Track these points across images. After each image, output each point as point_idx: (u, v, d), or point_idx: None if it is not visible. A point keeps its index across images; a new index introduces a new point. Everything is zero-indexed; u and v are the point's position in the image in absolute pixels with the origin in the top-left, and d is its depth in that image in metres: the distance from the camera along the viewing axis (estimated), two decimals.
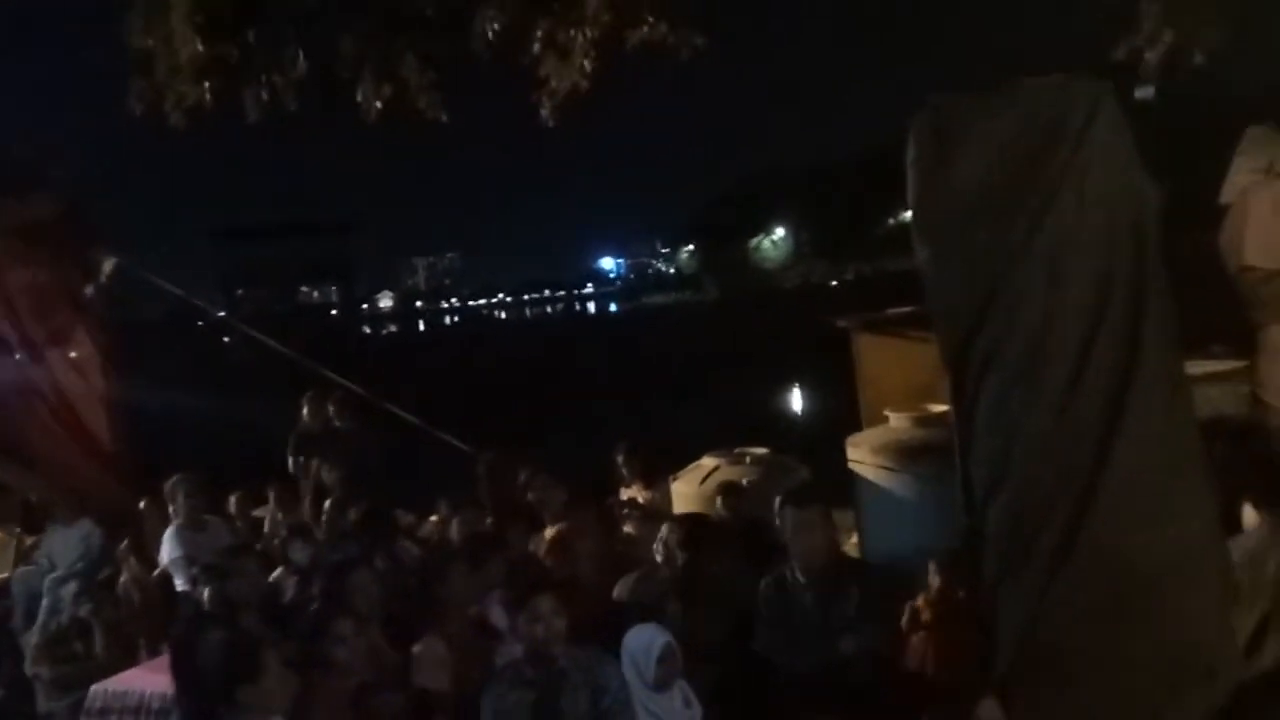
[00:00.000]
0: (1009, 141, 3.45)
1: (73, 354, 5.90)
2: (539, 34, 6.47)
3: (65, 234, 5.97)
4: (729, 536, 6.04)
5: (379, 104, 6.57)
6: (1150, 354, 3.29)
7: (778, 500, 4.80)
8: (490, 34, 6.34)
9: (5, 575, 7.56)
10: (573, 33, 6.41)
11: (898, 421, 8.29)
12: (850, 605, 4.04)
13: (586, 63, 6.42)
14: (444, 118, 6.68)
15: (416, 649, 4.13)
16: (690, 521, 5.55)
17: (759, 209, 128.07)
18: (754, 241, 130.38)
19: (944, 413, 8.19)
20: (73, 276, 6.02)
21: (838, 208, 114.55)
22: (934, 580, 4.84)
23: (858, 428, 8.88)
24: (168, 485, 7.06)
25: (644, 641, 4.06)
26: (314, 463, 8.36)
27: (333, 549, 5.69)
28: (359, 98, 6.60)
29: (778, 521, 4.95)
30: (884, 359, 9.35)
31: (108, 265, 6.42)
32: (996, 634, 3.36)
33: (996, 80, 3.68)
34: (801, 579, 4.11)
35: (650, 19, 6.24)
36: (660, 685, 4.00)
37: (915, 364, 9.02)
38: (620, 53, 6.44)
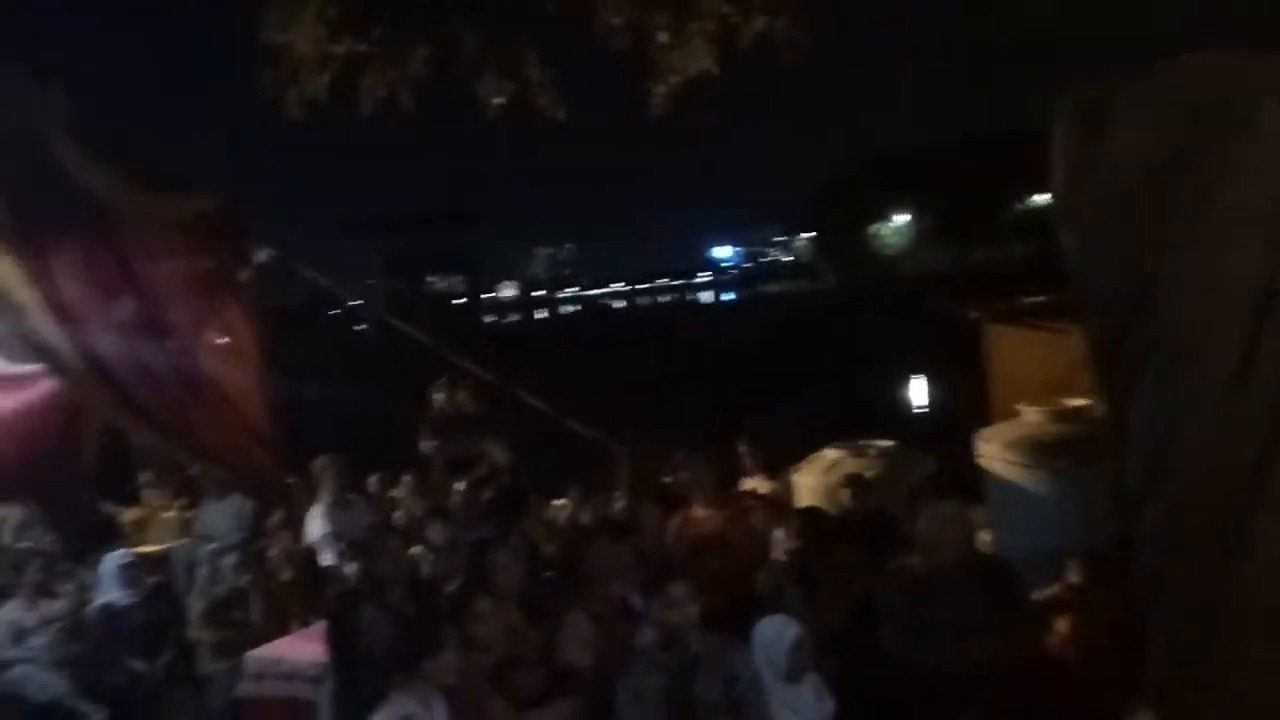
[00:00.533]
0: (1167, 124, 3.29)
1: (228, 339, 6.23)
2: (657, 26, 6.48)
3: (221, 226, 6.29)
4: (852, 529, 5.98)
5: (500, 100, 6.68)
6: None
7: (909, 492, 4.74)
8: (611, 28, 6.37)
9: (168, 545, 8.07)
10: (690, 26, 6.41)
11: (1032, 416, 8.04)
12: (987, 604, 3.94)
13: (703, 54, 6.42)
14: (563, 115, 6.77)
15: (563, 625, 4.22)
16: (809, 513, 5.53)
17: (879, 195, 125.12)
18: (873, 228, 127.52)
19: (1081, 407, 7.98)
20: (228, 266, 6.34)
21: (962, 192, 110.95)
22: (1073, 579, 4.69)
23: (986, 421, 8.65)
24: (315, 465, 7.39)
25: (775, 632, 4.06)
26: (446, 446, 8.62)
27: (469, 529, 5.87)
28: (480, 93, 6.71)
29: (908, 514, 4.87)
30: (1016, 350, 9.09)
31: (260, 255, 6.74)
32: (1151, 640, 3.23)
33: (1147, 57, 3.52)
34: (934, 575, 4.03)
35: (766, 13, 6.21)
36: (791, 676, 3.99)
37: (1050, 356, 8.72)
38: (735, 46, 6.43)
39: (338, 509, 7.23)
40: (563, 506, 7.52)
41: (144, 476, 9.16)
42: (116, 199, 5.68)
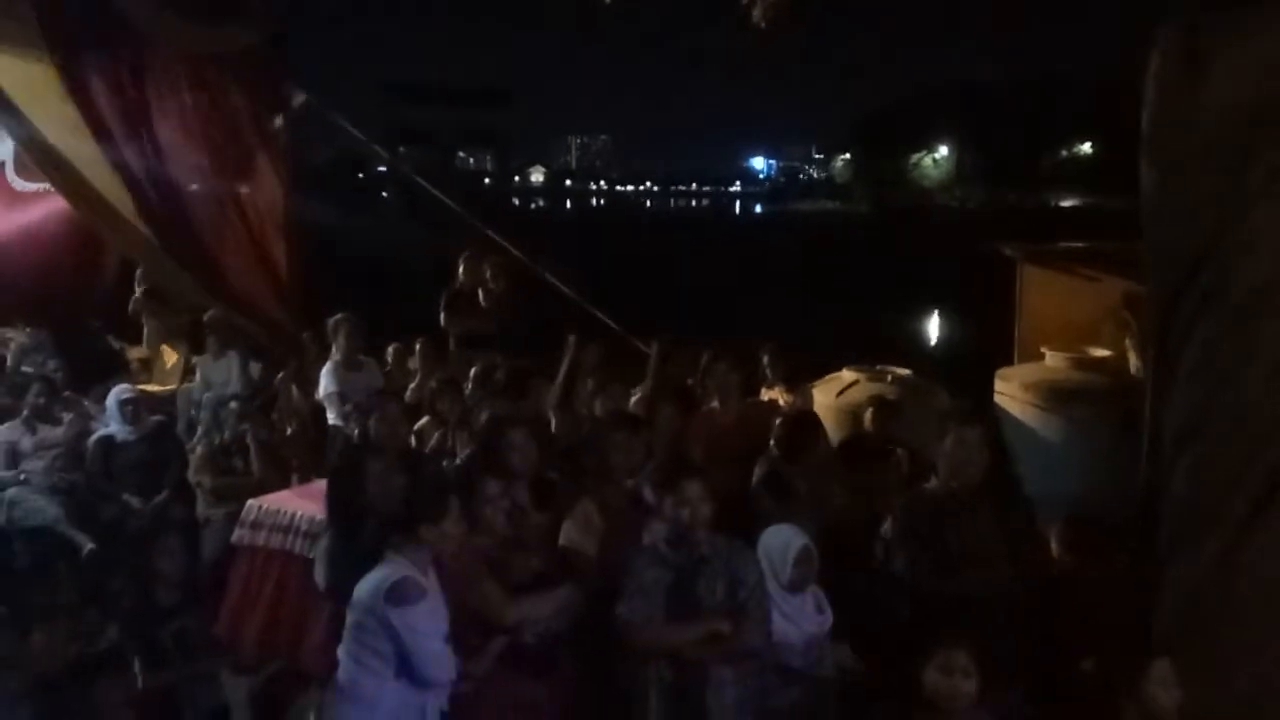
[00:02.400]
0: (1268, 71, 3.10)
1: (257, 181, 6.09)
2: None
3: (260, 65, 6.10)
4: (868, 451, 5.91)
5: None
6: None
7: (936, 418, 4.65)
8: None
9: (173, 386, 8.08)
10: None
11: (1055, 360, 7.93)
12: (1003, 532, 3.90)
13: None
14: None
15: (571, 512, 4.17)
16: (795, 419, 5.48)
17: (924, 124, 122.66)
18: (914, 157, 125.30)
19: (1105, 358, 7.86)
20: (266, 106, 6.17)
21: (1007, 133, 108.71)
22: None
23: (1008, 361, 8.56)
24: (331, 323, 7.35)
25: (781, 541, 4.01)
26: (465, 321, 8.54)
27: (482, 405, 5.80)
28: None
29: (931, 438, 4.81)
30: (1048, 294, 8.93)
31: (297, 99, 6.55)
32: (1168, 591, 3.18)
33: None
34: (953, 500, 3.98)
35: None
36: (794, 587, 3.96)
37: (1081, 303, 8.59)
38: None
39: (347, 369, 7.23)
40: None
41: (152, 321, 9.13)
42: (158, 24, 5.49)
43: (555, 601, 3.84)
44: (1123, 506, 4.44)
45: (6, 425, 6.65)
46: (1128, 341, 8.00)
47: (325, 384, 7.20)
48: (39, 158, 5.73)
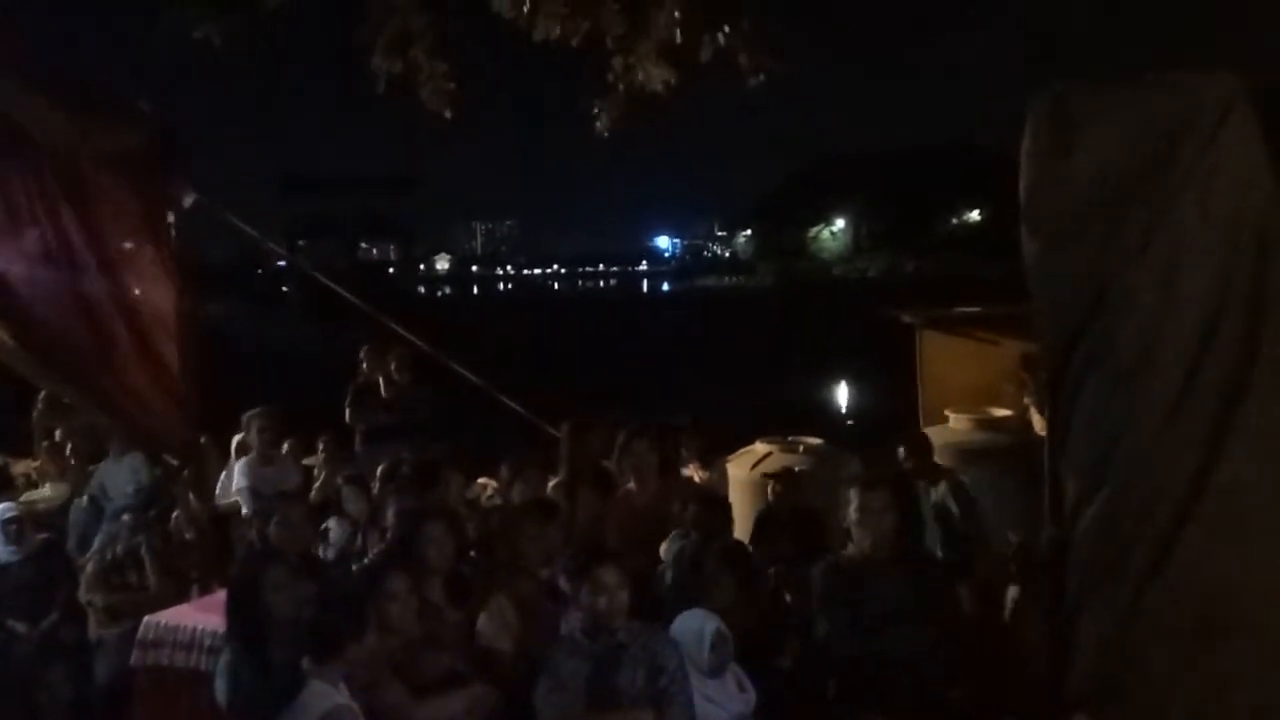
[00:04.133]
0: (1132, 136, 3.28)
1: (147, 284, 5.91)
2: (609, 39, 6.28)
3: (153, 163, 5.97)
4: (780, 523, 5.96)
5: (385, 80, 6.46)
6: (1267, 368, 3.12)
7: (841, 485, 4.72)
8: (550, 34, 6.18)
9: (62, 500, 7.69)
10: (644, 44, 6.22)
11: (958, 423, 8.17)
12: (918, 593, 3.94)
13: (656, 71, 6.25)
14: (448, 114, 6.56)
15: (486, 607, 4.06)
16: (708, 500, 5.49)
17: (820, 197, 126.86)
18: (813, 230, 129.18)
19: (1006, 417, 8.12)
20: (155, 206, 6.02)
21: (901, 201, 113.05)
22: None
23: (914, 425, 8.75)
24: (245, 418, 7.24)
25: (694, 626, 3.95)
26: (370, 415, 8.39)
27: (390, 500, 5.66)
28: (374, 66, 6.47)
29: (837, 508, 4.87)
30: (948, 358, 9.24)
31: (188, 199, 6.42)
32: (1078, 648, 3.22)
33: (1105, 74, 3.49)
34: (866, 564, 4.02)
35: (725, 30, 6.07)
36: (713, 671, 3.90)
37: (980, 365, 8.90)
38: (693, 65, 6.26)
39: (263, 463, 7.09)
40: (485, 485, 7.34)
41: (41, 426, 8.74)
42: (44, 123, 5.34)
43: (466, 701, 3.72)
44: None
45: None
46: (1027, 400, 8.29)
47: (238, 479, 7.00)
48: None
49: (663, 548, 5.11)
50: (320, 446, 7.86)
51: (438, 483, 5.65)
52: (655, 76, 6.24)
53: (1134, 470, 3.19)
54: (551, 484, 6.08)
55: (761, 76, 6.13)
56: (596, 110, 6.56)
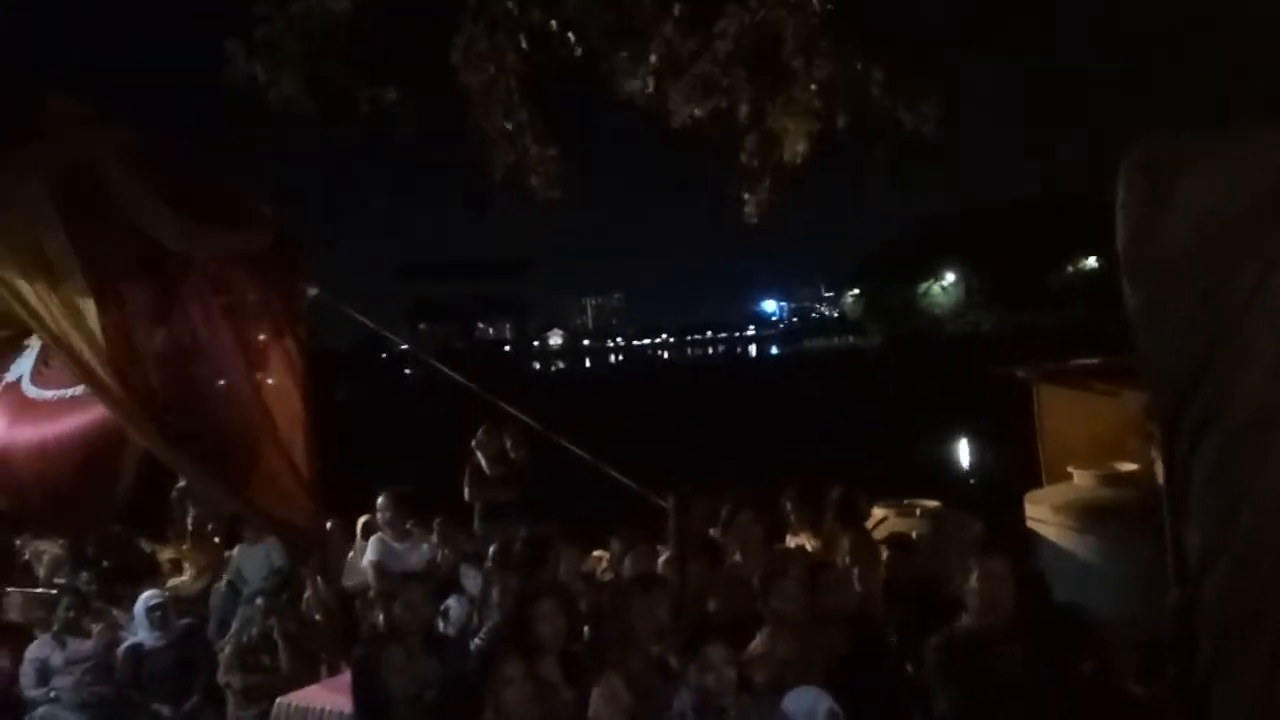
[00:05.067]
0: (1233, 184, 3.19)
1: (274, 377, 6.23)
2: (743, 115, 6.18)
3: (279, 261, 6.32)
4: (898, 591, 5.82)
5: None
6: None
7: (958, 552, 4.61)
8: (688, 115, 6.17)
9: (203, 587, 8.05)
10: (779, 115, 6.08)
11: (1083, 479, 7.88)
12: (1040, 663, 3.79)
13: (796, 144, 6.08)
14: (556, 196, 6.65)
15: (599, 685, 4.08)
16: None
17: (928, 253, 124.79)
18: (922, 287, 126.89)
19: (1133, 472, 7.79)
20: (279, 304, 6.36)
21: (1011, 254, 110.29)
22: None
23: (1035, 484, 8.50)
24: (380, 498, 7.48)
25: (806, 705, 3.90)
26: (486, 493, 8.57)
27: (498, 578, 5.76)
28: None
29: (957, 575, 4.74)
30: (1067, 412, 8.95)
31: (310, 294, 6.77)
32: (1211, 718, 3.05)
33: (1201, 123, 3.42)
34: (985, 636, 3.89)
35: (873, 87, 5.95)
36: None
37: (1101, 418, 8.59)
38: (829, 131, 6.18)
39: (393, 541, 7.33)
40: (600, 559, 7.40)
41: (184, 515, 9.21)
42: (175, 231, 5.74)
43: None
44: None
45: (37, 642, 6.63)
46: (1154, 454, 7.93)
47: (368, 555, 7.26)
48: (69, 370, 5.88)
49: None
50: (435, 526, 8.07)
51: (548, 560, 5.73)
52: (795, 151, 6.10)
53: (1262, 529, 3.04)
54: (662, 558, 6.10)
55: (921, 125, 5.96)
56: (744, 196, 6.51)
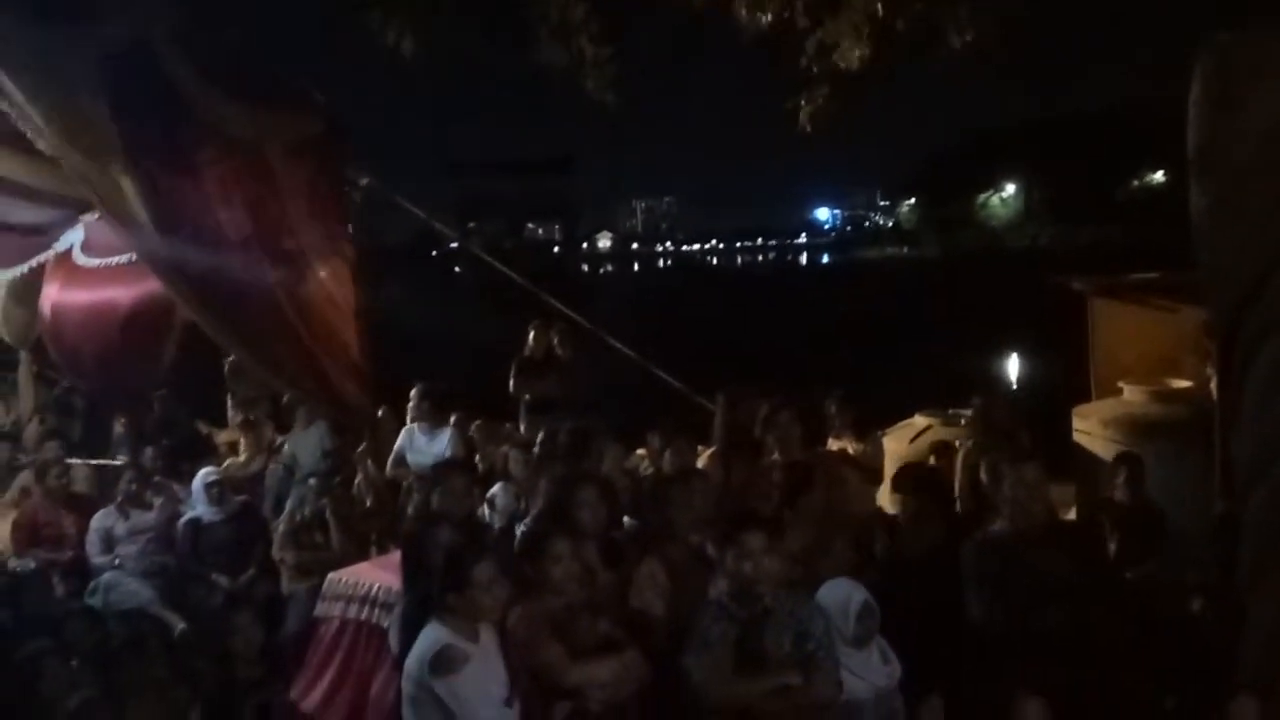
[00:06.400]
0: None
1: (327, 266, 6.28)
2: (802, 21, 6.05)
3: (329, 151, 6.32)
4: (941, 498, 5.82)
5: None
6: None
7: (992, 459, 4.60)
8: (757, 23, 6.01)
9: (258, 467, 8.34)
10: (840, 22, 5.95)
11: (1133, 395, 7.77)
12: (1071, 568, 3.80)
13: (854, 51, 5.94)
14: (610, 98, 6.56)
15: (638, 571, 4.17)
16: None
17: (989, 164, 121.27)
18: (981, 198, 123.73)
19: (1186, 389, 7.66)
20: (332, 192, 6.38)
21: (1075, 166, 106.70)
22: None
23: (1085, 399, 8.40)
24: (414, 390, 7.66)
25: (841, 596, 3.95)
26: (533, 387, 8.70)
27: (544, 467, 5.87)
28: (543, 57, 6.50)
29: (988, 479, 4.76)
30: (1122, 327, 8.80)
31: (361, 182, 6.79)
32: (1251, 627, 3.07)
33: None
34: (1020, 541, 3.91)
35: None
36: (857, 641, 3.89)
37: (1156, 335, 8.44)
38: (890, 40, 5.98)
39: (425, 434, 7.49)
40: (643, 456, 7.51)
41: (239, 398, 9.49)
42: (223, 115, 5.75)
43: (618, 666, 3.82)
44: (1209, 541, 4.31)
45: (102, 512, 6.93)
46: (1208, 370, 7.78)
47: (399, 444, 7.48)
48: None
49: None
50: (453, 421, 8.24)
51: (591, 451, 5.81)
52: (853, 56, 5.98)
53: None
54: (706, 454, 6.17)
55: (968, 38, 5.80)
56: (801, 103, 6.40)
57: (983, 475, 5.01)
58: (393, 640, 4.22)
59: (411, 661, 3.52)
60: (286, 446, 8.16)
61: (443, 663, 3.44)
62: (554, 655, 3.76)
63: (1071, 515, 7.51)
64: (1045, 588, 3.70)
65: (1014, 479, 3.91)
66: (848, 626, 3.86)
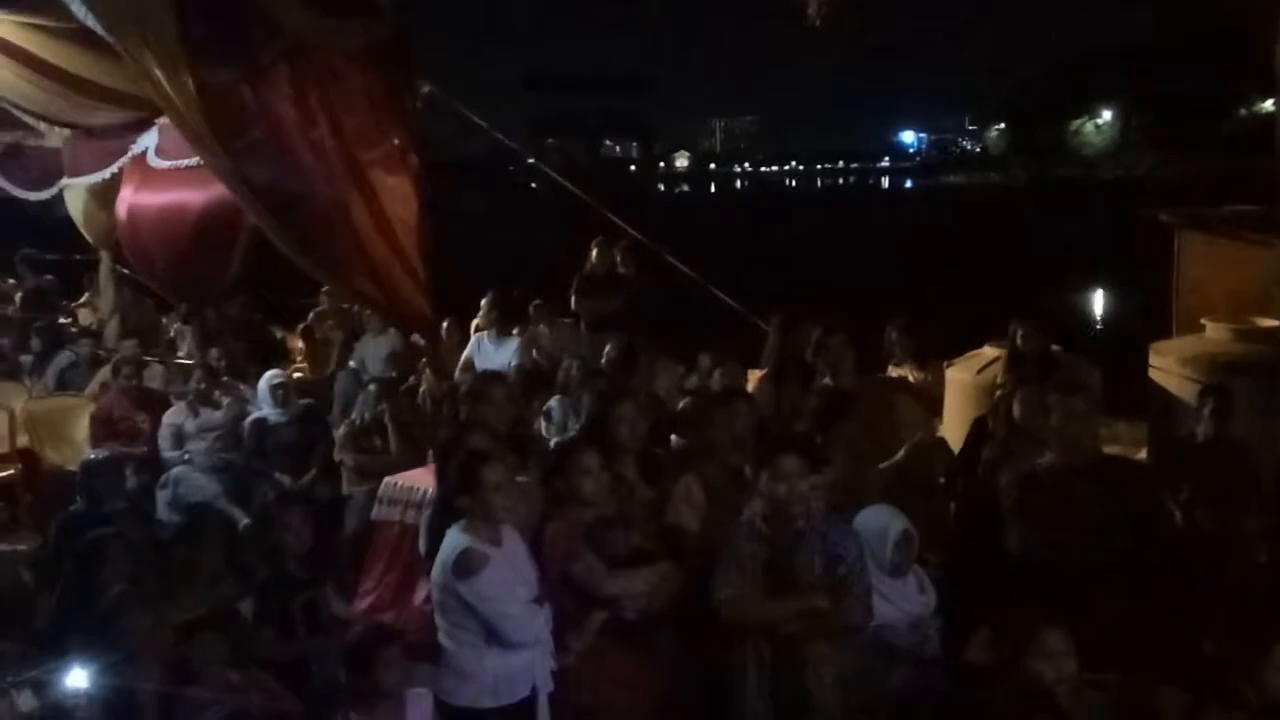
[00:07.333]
0: None
1: (392, 174, 6.27)
2: None
3: (395, 57, 6.25)
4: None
5: None
6: None
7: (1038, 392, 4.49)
8: None
9: (328, 371, 8.56)
10: None
11: (1216, 332, 7.50)
12: (1115, 503, 3.72)
13: None
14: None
15: (676, 487, 4.20)
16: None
17: (1084, 89, 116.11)
18: (1074, 124, 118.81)
19: (1272, 328, 7.33)
20: (398, 98, 6.33)
21: (1177, 93, 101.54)
22: None
23: (1165, 335, 8.13)
24: (485, 299, 8.02)
25: (879, 524, 3.91)
26: (592, 303, 8.72)
27: (591, 381, 5.88)
28: None
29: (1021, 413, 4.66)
30: (1210, 262, 8.46)
31: (424, 91, 6.74)
32: None
33: None
34: (1065, 474, 3.84)
35: None
36: (895, 570, 3.87)
37: (1246, 271, 8.11)
38: None
39: (493, 342, 7.80)
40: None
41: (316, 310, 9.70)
42: (287, 18, 5.71)
43: (653, 577, 3.85)
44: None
45: (173, 409, 7.20)
46: None
47: (467, 351, 7.73)
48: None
49: None
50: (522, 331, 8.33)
51: (635, 367, 5.81)
52: None
53: None
54: (758, 376, 6.13)
55: None
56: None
57: (1014, 409, 4.87)
58: (421, 544, 4.32)
59: (436, 565, 3.62)
60: (357, 351, 8.37)
61: (464, 565, 3.52)
62: (590, 565, 3.81)
63: (1142, 455, 7.34)
64: (1087, 523, 3.63)
65: (1063, 412, 3.82)
66: (885, 554, 3.83)
